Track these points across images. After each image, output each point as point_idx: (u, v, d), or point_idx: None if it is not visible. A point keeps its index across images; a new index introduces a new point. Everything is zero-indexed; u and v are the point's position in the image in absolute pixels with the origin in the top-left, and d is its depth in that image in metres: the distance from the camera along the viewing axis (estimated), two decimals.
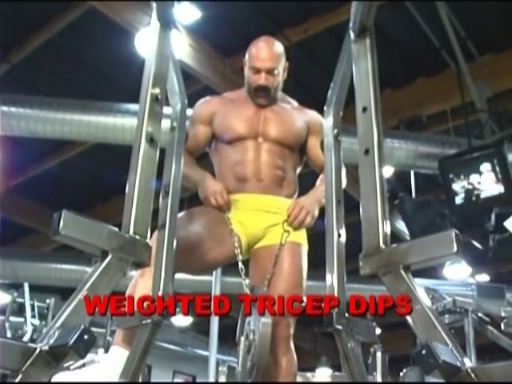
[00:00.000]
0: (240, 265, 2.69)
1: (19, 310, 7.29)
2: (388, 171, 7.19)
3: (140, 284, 2.45)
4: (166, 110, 1.92)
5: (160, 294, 2.13)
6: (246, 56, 3.00)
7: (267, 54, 2.92)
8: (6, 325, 6.95)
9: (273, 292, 2.66)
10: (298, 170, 3.05)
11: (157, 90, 1.84)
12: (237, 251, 2.71)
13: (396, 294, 1.54)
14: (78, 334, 1.39)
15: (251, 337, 2.43)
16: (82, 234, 1.54)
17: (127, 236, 1.63)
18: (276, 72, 2.93)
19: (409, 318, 1.52)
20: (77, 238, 1.54)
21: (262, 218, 2.81)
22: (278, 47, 2.99)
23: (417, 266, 1.55)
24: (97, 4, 5.98)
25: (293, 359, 2.69)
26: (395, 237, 7.13)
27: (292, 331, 2.70)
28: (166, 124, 2.03)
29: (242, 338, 2.53)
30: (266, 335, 2.35)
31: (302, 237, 2.86)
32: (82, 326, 1.41)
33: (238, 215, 2.80)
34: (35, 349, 1.36)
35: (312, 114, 3.05)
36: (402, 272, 1.54)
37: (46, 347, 1.38)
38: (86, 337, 1.41)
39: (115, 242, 1.59)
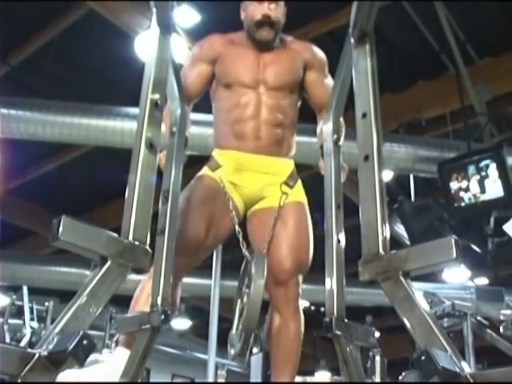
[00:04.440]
0: (237, 228, 2.66)
1: (18, 313, 7.28)
2: (387, 175, 7.19)
3: (147, 288, 2.43)
4: None
5: (159, 299, 2.13)
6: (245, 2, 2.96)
7: None
8: (5, 327, 6.94)
9: (280, 252, 2.65)
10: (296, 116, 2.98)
11: (156, 96, 1.84)
12: (232, 214, 2.68)
13: (395, 301, 1.54)
14: (77, 339, 1.39)
15: (245, 299, 2.41)
16: (81, 239, 1.55)
17: (126, 242, 1.64)
18: (280, 5, 2.88)
19: (408, 324, 1.52)
20: (76, 244, 1.54)
21: (259, 179, 2.78)
22: None
23: (416, 273, 1.55)
24: (96, 7, 5.98)
25: (301, 320, 2.68)
26: (394, 240, 7.13)
27: (300, 290, 2.68)
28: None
29: (238, 302, 2.52)
30: (257, 297, 2.29)
31: (301, 195, 2.84)
32: (81, 332, 1.41)
33: (232, 176, 2.76)
34: (34, 354, 1.36)
35: (309, 49, 3.01)
36: (402, 278, 1.54)
37: (45, 353, 1.38)
38: (85, 342, 1.41)
39: (114, 248, 1.59)
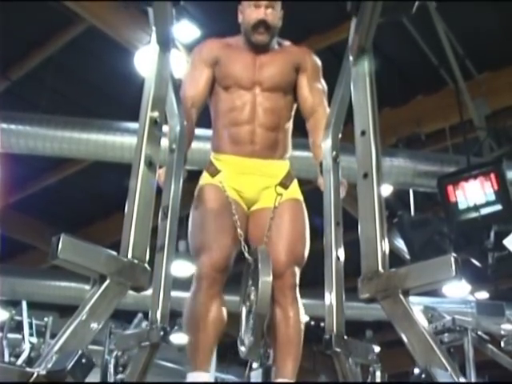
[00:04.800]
0: (239, 230, 2.69)
1: (17, 328, 7.24)
2: (387, 189, 7.19)
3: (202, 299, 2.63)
4: None
5: (159, 315, 2.13)
6: (242, 2, 2.98)
7: None
8: (4, 343, 6.90)
9: (276, 246, 2.69)
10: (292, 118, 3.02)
11: (156, 114, 1.85)
12: (234, 218, 2.71)
13: (394, 319, 1.53)
14: (75, 358, 1.39)
15: (252, 297, 2.44)
16: (80, 258, 1.54)
17: (125, 260, 1.63)
18: (276, 9, 2.92)
19: (407, 342, 1.52)
20: (75, 262, 1.54)
21: (256, 182, 2.83)
22: None
23: (416, 291, 1.55)
24: (97, 22, 6.00)
25: (299, 309, 2.69)
26: (394, 255, 7.12)
27: (297, 280, 2.70)
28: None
29: (243, 306, 2.56)
30: (265, 294, 2.33)
31: (297, 192, 2.88)
32: (80, 351, 1.41)
33: (232, 180, 2.81)
34: (32, 373, 1.36)
35: (304, 52, 3.06)
36: (401, 296, 1.54)
37: (44, 372, 1.38)
38: (83, 361, 1.41)
39: (113, 266, 1.59)
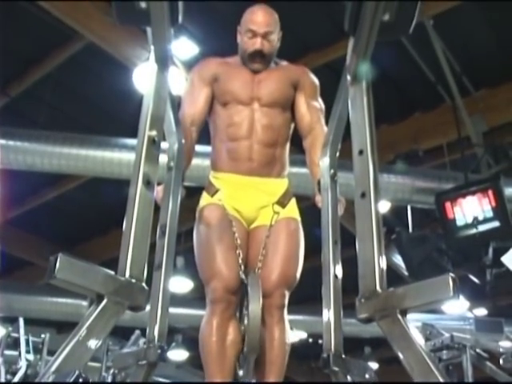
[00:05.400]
0: (238, 251, 2.68)
1: (14, 345, 7.20)
2: (385, 206, 7.19)
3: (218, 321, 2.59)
4: None
5: (156, 334, 2.12)
6: (241, 23, 2.99)
7: (263, 18, 2.91)
8: (0, 360, 6.86)
9: (269, 265, 2.68)
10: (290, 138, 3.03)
11: (154, 132, 1.85)
12: (235, 236, 2.70)
13: (392, 339, 1.53)
14: (72, 379, 1.38)
15: (245, 322, 2.46)
16: (77, 277, 1.54)
17: (123, 279, 1.63)
18: (272, 37, 2.91)
19: (405, 362, 1.52)
20: (73, 282, 1.54)
21: (254, 200, 2.83)
22: (274, 13, 2.98)
23: (414, 311, 1.55)
24: (95, 39, 6.02)
25: (285, 329, 2.67)
26: (392, 271, 7.11)
27: (286, 302, 2.68)
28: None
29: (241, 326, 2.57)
30: (255, 321, 2.37)
31: (294, 212, 2.87)
32: (77, 372, 1.40)
33: (231, 199, 2.81)
34: None
35: (302, 71, 3.07)
36: (399, 316, 1.54)
37: None
38: (80, 381, 1.40)
39: (111, 286, 1.59)
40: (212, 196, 2.84)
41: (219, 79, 2.96)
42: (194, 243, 2.78)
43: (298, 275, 2.74)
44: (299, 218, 2.87)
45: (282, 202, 2.85)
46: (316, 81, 3.05)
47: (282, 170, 2.93)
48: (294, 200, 2.92)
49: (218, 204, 2.79)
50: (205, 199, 2.87)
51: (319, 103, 3.00)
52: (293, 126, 3.03)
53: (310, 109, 2.96)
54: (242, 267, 2.65)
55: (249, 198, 2.83)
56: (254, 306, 2.40)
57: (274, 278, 2.65)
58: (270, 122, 2.88)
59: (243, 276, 2.60)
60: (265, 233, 2.76)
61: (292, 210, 2.87)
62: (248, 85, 2.92)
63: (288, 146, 3.00)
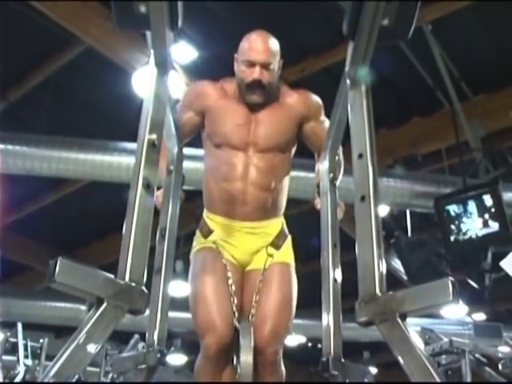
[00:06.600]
0: (232, 297, 2.62)
1: (12, 350, 7.19)
2: (384, 210, 7.20)
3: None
4: None
5: (156, 338, 2.13)
6: (238, 51, 2.78)
7: (262, 47, 2.69)
8: None
9: (261, 315, 2.62)
10: (288, 177, 2.90)
11: (153, 136, 1.85)
12: (229, 282, 2.65)
13: (392, 342, 1.53)
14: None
15: (239, 370, 2.43)
16: (77, 281, 1.54)
17: (123, 283, 1.63)
18: (272, 67, 2.70)
19: (405, 366, 1.52)
20: (72, 286, 1.53)
21: (248, 245, 2.76)
22: (274, 41, 2.75)
23: (413, 315, 1.55)
24: (94, 43, 6.02)
25: (280, 378, 2.63)
26: (391, 275, 7.11)
27: (279, 356, 2.63)
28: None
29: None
30: (246, 374, 2.36)
31: (288, 256, 2.80)
32: (76, 376, 1.40)
33: (225, 243, 2.75)
34: None
35: (304, 101, 2.86)
36: (399, 320, 1.54)
37: None
38: None
39: (111, 290, 1.59)
40: (206, 238, 2.78)
41: (211, 115, 2.80)
42: (189, 288, 2.72)
43: (291, 325, 2.69)
44: (293, 262, 2.81)
45: (277, 244, 2.78)
46: (318, 101, 2.90)
47: (278, 211, 2.84)
48: (289, 239, 2.85)
49: (212, 248, 2.73)
50: (198, 240, 2.81)
51: (326, 123, 2.78)
52: (293, 153, 2.92)
53: (320, 133, 2.79)
54: (236, 314, 2.60)
55: (242, 244, 2.76)
56: (246, 357, 2.40)
57: (265, 333, 2.58)
58: (267, 166, 2.73)
59: (237, 324, 2.56)
60: (258, 277, 2.70)
61: (286, 252, 2.81)
62: (243, 128, 2.74)
63: (287, 185, 2.88)
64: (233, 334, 2.55)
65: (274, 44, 2.75)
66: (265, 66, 2.68)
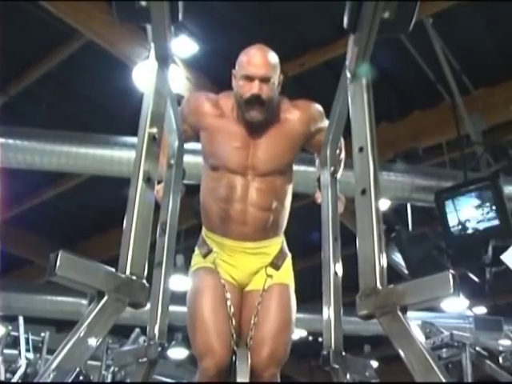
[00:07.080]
0: (231, 319, 2.61)
1: (13, 343, 7.21)
2: (384, 204, 7.20)
3: None
4: None
5: (156, 331, 2.13)
6: (236, 66, 2.69)
7: (261, 61, 2.60)
8: (0, 358, 6.86)
9: (259, 338, 2.60)
10: (290, 192, 2.85)
11: (154, 130, 1.85)
12: (228, 304, 2.63)
13: (393, 336, 1.53)
14: (73, 376, 1.38)
15: None
16: (78, 274, 1.54)
17: (124, 276, 1.63)
18: (271, 82, 2.60)
19: (406, 359, 1.52)
20: (73, 279, 1.53)
21: (247, 266, 2.73)
22: (273, 55, 2.66)
23: (414, 308, 1.55)
24: (94, 37, 6.02)
25: None
26: (392, 269, 7.11)
27: (277, 378, 2.61)
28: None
29: None
30: None
31: (287, 277, 2.77)
32: (78, 369, 1.40)
33: (224, 263, 2.73)
34: None
35: (306, 117, 2.76)
36: (399, 313, 1.54)
37: None
38: (81, 378, 1.40)
39: (112, 283, 1.59)
40: (205, 257, 2.75)
41: (207, 135, 2.73)
42: (187, 309, 2.70)
43: (289, 347, 2.66)
44: (292, 282, 2.78)
45: (276, 264, 2.74)
46: (319, 111, 2.82)
47: (278, 230, 2.79)
48: (289, 258, 2.83)
49: (211, 268, 2.71)
50: (197, 259, 2.79)
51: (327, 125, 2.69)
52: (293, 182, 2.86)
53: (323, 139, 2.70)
54: (235, 336, 2.59)
55: (242, 264, 2.73)
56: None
57: (263, 357, 2.56)
58: (267, 188, 2.68)
59: (235, 347, 2.55)
60: (257, 298, 2.67)
61: (286, 273, 2.78)
62: (242, 151, 2.66)
63: (288, 204, 2.82)
64: (230, 357, 2.53)
65: (274, 58, 2.67)
66: (264, 81, 2.59)
